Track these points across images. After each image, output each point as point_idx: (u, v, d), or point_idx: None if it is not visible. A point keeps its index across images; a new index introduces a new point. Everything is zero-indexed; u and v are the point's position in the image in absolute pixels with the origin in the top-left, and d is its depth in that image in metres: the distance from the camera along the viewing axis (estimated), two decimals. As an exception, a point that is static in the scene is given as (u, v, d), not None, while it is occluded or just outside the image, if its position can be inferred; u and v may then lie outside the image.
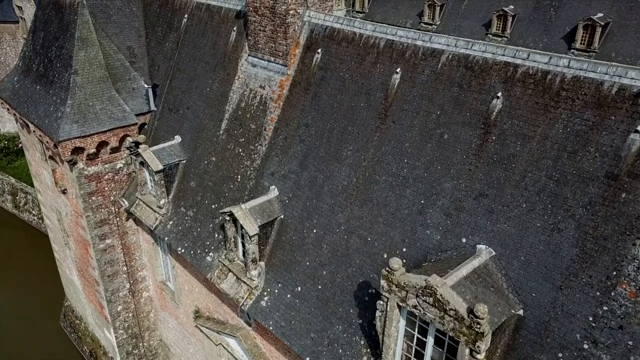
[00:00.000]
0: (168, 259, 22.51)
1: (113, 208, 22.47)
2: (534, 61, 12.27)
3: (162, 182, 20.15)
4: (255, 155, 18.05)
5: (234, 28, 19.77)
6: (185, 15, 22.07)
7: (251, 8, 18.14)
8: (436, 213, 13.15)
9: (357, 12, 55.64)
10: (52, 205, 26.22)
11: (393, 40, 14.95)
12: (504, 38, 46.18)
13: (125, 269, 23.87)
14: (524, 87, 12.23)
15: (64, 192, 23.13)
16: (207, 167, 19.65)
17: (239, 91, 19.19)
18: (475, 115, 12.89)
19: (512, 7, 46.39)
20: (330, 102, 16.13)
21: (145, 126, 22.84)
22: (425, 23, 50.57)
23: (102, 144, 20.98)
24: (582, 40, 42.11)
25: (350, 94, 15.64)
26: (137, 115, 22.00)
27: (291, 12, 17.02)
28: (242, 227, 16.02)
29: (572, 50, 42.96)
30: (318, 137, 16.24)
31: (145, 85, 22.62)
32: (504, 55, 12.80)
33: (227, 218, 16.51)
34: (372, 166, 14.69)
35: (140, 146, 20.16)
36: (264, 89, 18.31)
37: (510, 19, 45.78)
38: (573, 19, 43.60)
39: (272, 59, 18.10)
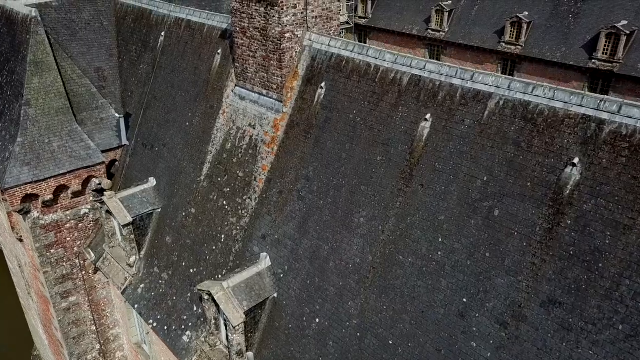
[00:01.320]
0: (143, 321, 18.87)
1: (77, 261, 18.82)
2: (629, 117, 8.62)
3: (132, 236, 16.50)
4: (243, 211, 14.39)
5: (219, 51, 16.10)
6: (163, 33, 18.39)
7: (238, 28, 14.49)
8: (485, 319, 9.52)
9: (360, 17, 52.04)
10: (11, 250, 22.61)
11: (420, 76, 11.30)
12: (518, 47, 42.59)
13: (95, 328, 20.24)
14: (615, 153, 8.59)
15: (20, 240, 19.50)
16: (185, 221, 15.99)
17: (224, 129, 15.53)
18: (540, 187, 9.25)
19: (526, 13, 42.75)
20: (337, 152, 12.50)
21: (116, 163, 19.18)
22: (433, 30, 46.95)
23: (61, 189, 17.31)
24: (604, 49, 38.43)
25: (363, 143, 12.01)
26: (105, 151, 18.33)
27: (287, 34, 13.38)
28: (224, 312, 12.40)
29: (593, 61, 39.37)
30: (322, 194, 12.61)
31: (117, 115, 18.95)
32: (581, 105, 9.17)
33: (206, 297, 12.89)
34: (394, 242, 11.05)
35: (105, 193, 16.51)
36: (254, 129, 14.66)
37: (525, 26, 42.16)
38: (594, 27, 39.90)
39: (265, 92, 14.46)
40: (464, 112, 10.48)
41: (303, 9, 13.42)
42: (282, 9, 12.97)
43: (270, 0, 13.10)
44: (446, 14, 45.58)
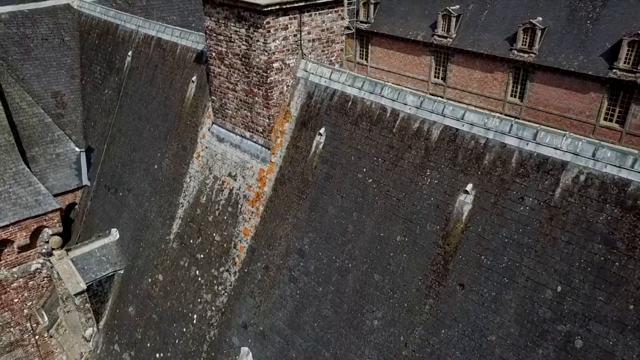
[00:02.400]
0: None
1: (29, 324, 15.59)
2: None
3: (88, 305, 13.28)
4: (220, 287, 11.15)
5: (193, 78, 12.86)
6: (130, 52, 15.13)
7: (214, 53, 11.24)
8: None
9: (362, 22, 48.77)
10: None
11: (457, 129, 8.06)
12: (531, 54, 39.34)
13: (54, 398, 17.03)
14: None
15: (-37, 297, 16.25)
16: (151, 289, 12.76)
17: (198, 177, 12.28)
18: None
19: (540, 19, 39.47)
20: (341, 223, 9.26)
21: (76, 206, 15.94)
22: (439, 36, 43.67)
23: (4, 243, 14.08)
24: (626, 58, 35.17)
25: (377, 214, 8.78)
26: (61, 194, 15.11)
27: (275, 64, 10.13)
28: None
29: (613, 70, 36.13)
30: (321, 278, 9.38)
31: (77, 149, 15.71)
32: None
33: (170, 412, 9.68)
34: (421, 361, 7.84)
35: (54, 252, 13.27)
36: (234, 180, 11.41)
37: (539, 32, 38.90)
38: (615, 34, 36.60)
39: (248, 134, 11.22)
40: (523, 186, 7.25)
41: (296, 30, 10.18)
42: (269, 31, 9.74)
43: (252, 20, 9.86)
44: (453, 19, 42.32)
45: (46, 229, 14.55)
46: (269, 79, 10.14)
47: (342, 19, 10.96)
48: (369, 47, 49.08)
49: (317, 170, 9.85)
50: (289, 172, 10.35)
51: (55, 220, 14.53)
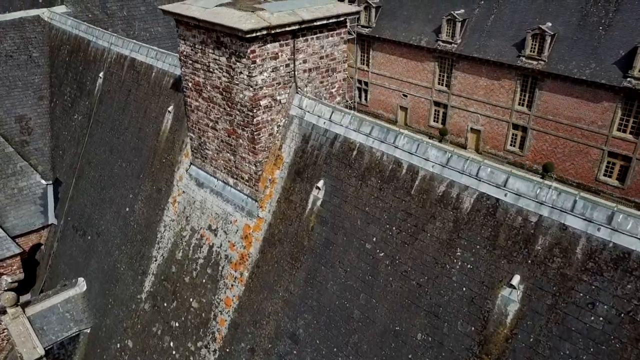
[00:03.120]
0: None
1: (-12, 382, 13.63)
2: None
3: (48, 371, 11.31)
4: (199, 366, 9.18)
5: (170, 108, 10.86)
6: (101, 74, 13.12)
7: (190, 84, 9.24)
8: None
9: (363, 26, 46.68)
10: None
11: (498, 199, 6.06)
12: (540, 62, 37.33)
13: None
14: None
15: None
16: (119, 356, 10.77)
17: (173, 227, 10.29)
18: None
19: (550, 24, 37.41)
20: (345, 305, 7.27)
21: (42, 247, 13.95)
22: (444, 41, 41.62)
23: (-46, 295, 12.09)
24: (645, 69, 33.28)
25: (390, 300, 6.78)
26: (23, 235, 13.12)
27: (264, 101, 8.13)
28: None
29: (628, 79, 34.13)
30: (319, 371, 7.41)
31: (43, 182, 13.73)
32: None
33: None
34: None
35: (7, 311, 11.28)
36: (215, 235, 9.41)
37: (548, 38, 36.85)
38: (629, 41, 34.53)
39: (231, 180, 9.23)
40: (594, 287, 5.26)
41: (289, 59, 8.17)
42: (254, 62, 7.73)
43: (234, 48, 7.85)
44: (458, 24, 40.30)
45: (4, 277, 12.56)
46: (255, 120, 8.14)
47: (345, 42, 8.95)
48: (370, 53, 47.06)
49: (315, 233, 7.85)
50: (280, 231, 8.35)
51: (15, 267, 12.56)
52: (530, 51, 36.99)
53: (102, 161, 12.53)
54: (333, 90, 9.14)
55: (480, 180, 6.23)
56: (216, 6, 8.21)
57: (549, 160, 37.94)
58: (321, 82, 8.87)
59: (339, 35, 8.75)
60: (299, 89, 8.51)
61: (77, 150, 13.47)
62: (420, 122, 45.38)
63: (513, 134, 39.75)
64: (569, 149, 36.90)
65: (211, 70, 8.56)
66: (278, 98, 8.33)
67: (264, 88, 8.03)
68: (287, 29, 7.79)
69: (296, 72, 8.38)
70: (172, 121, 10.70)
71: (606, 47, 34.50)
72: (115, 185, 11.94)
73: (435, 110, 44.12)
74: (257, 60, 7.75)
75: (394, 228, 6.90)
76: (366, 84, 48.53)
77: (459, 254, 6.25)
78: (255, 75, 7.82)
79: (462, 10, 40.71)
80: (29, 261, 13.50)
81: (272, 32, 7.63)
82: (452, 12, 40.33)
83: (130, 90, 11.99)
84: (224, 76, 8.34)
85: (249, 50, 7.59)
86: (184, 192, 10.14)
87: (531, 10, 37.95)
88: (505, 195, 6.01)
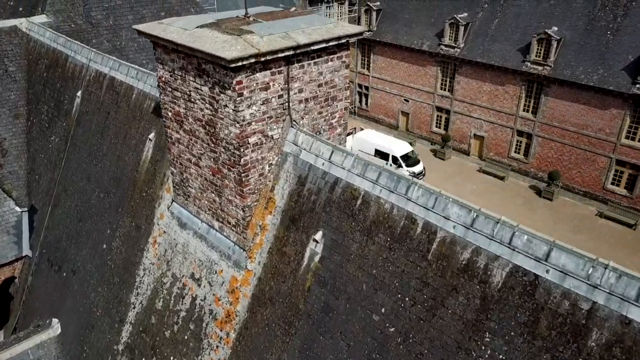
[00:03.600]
0: None
1: None
2: None
3: None
4: None
5: (151, 135, 9.65)
6: (79, 93, 11.91)
7: (170, 113, 8.04)
8: None
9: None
10: None
11: (537, 277, 4.85)
12: (546, 67, 36.10)
13: None
14: None
15: None
16: (95, 414, 9.59)
17: (154, 272, 9.08)
18: None
19: (556, 28, 36.17)
20: (346, 387, 6.08)
21: (16, 281, 12.74)
22: (446, 45, 40.35)
23: None
24: (657, 76, 32.07)
25: (402, 390, 5.59)
26: (-7, 269, 11.92)
27: (253, 138, 6.93)
28: None
29: (637, 86, 32.93)
30: None
31: (17, 209, 12.54)
32: None
33: None
34: None
35: (-29, 360, 10.08)
36: (199, 285, 8.21)
37: (554, 43, 35.60)
38: (638, 45, 33.16)
39: (217, 224, 8.03)
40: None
41: (282, 88, 6.96)
42: (241, 94, 6.52)
43: (217, 77, 6.64)
44: (461, 28, 39.08)
45: (-27, 316, 11.37)
46: (242, 159, 6.93)
47: (347, 66, 7.74)
48: (371, 56, 45.83)
49: (312, 295, 6.65)
50: (272, 289, 7.15)
51: (-16, 305, 11.35)
52: (536, 56, 35.78)
53: (79, 189, 11.32)
54: (333, 120, 7.93)
55: (514, 250, 5.03)
56: (197, 27, 6.99)
57: (555, 167, 36.74)
58: (320, 113, 7.66)
59: (340, 59, 7.54)
60: (294, 122, 7.31)
61: (53, 175, 12.26)
62: (422, 127, 44.18)
63: (517, 141, 38.55)
64: (576, 157, 35.69)
65: (192, 100, 7.35)
66: (269, 134, 7.12)
67: (253, 123, 6.83)
68: (280, 55, 6.58)
69: (291, 103, 7.17)
70: (152, 150, 9.49)
71: (614, 53, 33.27)
72: (93, 217, 10.72)
73: (437, 116, 42.91)
74: (245, 92, 6.54)
75: (407, 299, 5.70)
76: (367, 88, 47.32)
77: (487, 339, 5.05)
78: (243, 110, 6.61)
79: (465, 14, 39.49)
80: (2, 295, 12.33)
81: (262, 59, 6.41)
82: (455, 15, 39.10)
83: (109, 113, 10.78)
84: (206, 108, 7.13)
85: (234, 81, 6.38)
86: (165, 232, 8.92)
87: (536, 14, 36.73)
88: (547, 271, 4.80)
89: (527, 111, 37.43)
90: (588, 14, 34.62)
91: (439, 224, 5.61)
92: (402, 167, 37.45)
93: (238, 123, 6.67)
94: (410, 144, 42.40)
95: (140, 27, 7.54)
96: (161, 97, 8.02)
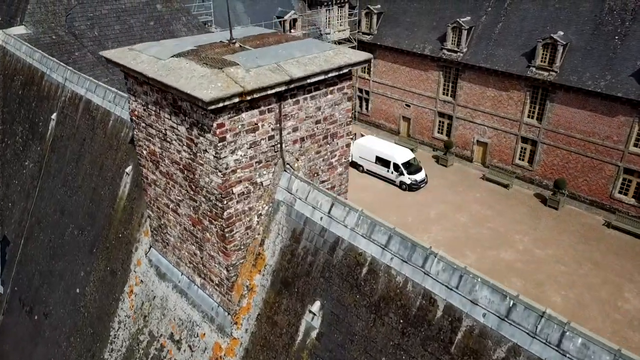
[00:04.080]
0: None
1: None
2: None
3: None
4: None
5: (128, 169, 8.51)
6: (54, 115, 10.77)
7: (145, 152, 6.91)
8: None
9: (364, 33, 44.12)
10: None
11: (601, 400, 3.76)
12: (551, 72, 34.94)
13: None
14: None
15: None
16: None
17: (129, 326, 7.96)
18: None
19: (562, 33, 35.00)
20: None
21: (-13, 318, 11.62)
22: (449, 50, 39.15)
23: None
24: (669, 85, 30.89)
25: None
26: (-40, 309, 10.78)
27: (238, 187, 5.80)
28: None
29: (646, 94, 31.81)
30: None
31: (-12, 240, 11.39)
32: None
33: None
34: None
35: None
36: (179, 349, 7.08)
37: (560, 48, 34.44)
38: (650, 53, 32.26)
39: (198, 280, 6.90)
40: None
41: (273, 128, 5.83)
42: (224, 139, 5.40)
43: (196, 117, 5.51)
44: (464, 32, 37.93)
45: (-64, 362, 10.24)
46: (226, 212, 5.80)
47: (350, 99, 6.62)
48: (372, 60, 44.56)
49: (308, 376, 5.52)
50: (262, 363, 6.03)
51: (-51, 350, 10.22)
52: (541, 61, 34.65)
53: (52, 223, 10.19)
54: (333, 160, 6.81)
55: (565, 355, 3.90)
56: (173, 57, 5.87)
57: (561, 175, 35.63)
58: (317, 153, 6.53)
59: (341, 91, 6.41)
60: (287, 166, 6.18)
61: (26, 204, 11.13)
62: (424, 133, 43.06)
63: (522, 148, 37.43)
64: (582, 165, 34.57)
65: (168, 140, 6.23)
66: (258, 180, 5.99)
67: (239, 170, 5.70)
68: (270, 92, 5.46)
69: (284, 145, 6.04)
70: (130, 186, 8.36)
71: (622, 58, 32.13)
72: (66, 256, 9.60)
73: (439, 122, 41.79)
74: (228, 136, 5.42)
75: (423, 398, 4.57)
76: (367, 92, 46.18)
77: None
78: (226, 156, 5.49)
79: (469, 18, 38.35)
80: (-27, 334, 11.22)
81: (249, 98, 5.29)
82: (458, 19, 37.96)
83: (85, 140, 9.64)
84: (184, 151, 6.01)
85: (214, 124, 5.26)
86: (142, 281, 7.79)
87: (541, 18, 35.58)
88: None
89: (532, 117, 36.32)
90: (595, 18, 33.48)
91: (464, 309, 4.48)
92: (403, 174, 36.33)
93: (220, 172, 5.55)
94: (412, 150, 41.27)
95: (109, 54, 6.39)
96: (135, 132, 6.89)
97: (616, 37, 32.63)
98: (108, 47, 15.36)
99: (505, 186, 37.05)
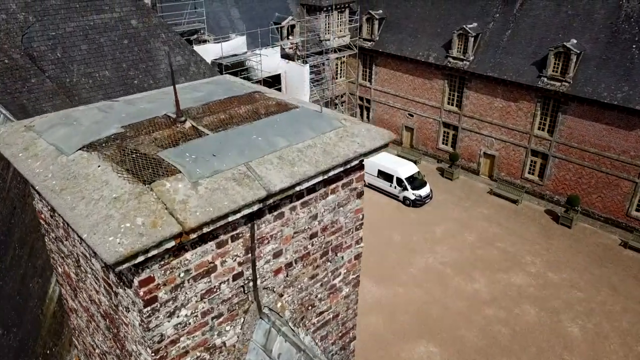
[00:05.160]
0: None
1: None
2: None
3: None
4: None
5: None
6: (-15, 168, 8.49)
7: (59, 270, 4.69)
8: None
9: (365, 39, 41.49)
10: None
11: None
12: (564, 83, 32.67)
13: None
14: None
15: None
16: None
17: None
18: None
19: (575, 41, 32.67)
20: None
21: None
22: (454, 58, 36.67)
23: None
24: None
25: None
26: None
27: (184, 361, 3.59)
28: None
29: (665, 107, 29.53)
30: None
31: None
32: None
33: None
34: None
35: None
36: None
37: (573, 57, 32.11)
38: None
39: None
40: None
41: (241, 262, 3.59)
42: (153, 299, 3.15)
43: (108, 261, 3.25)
44: (471, 39, 35.70)
45: None
46: (165, 399, 3.55)
47: (360, 195, 4.38)
48: (373, 68, 42.44)
49: None
50: None
51: None
52: (553, 71, 32.44)
53: (-21, 311, 7.93)
54: (337, 280, 4.57)
55: None
56: (83, 148, 3.63)
57: (573, 191, 33.42)
58: (313, 278, 4.30)
59: (348, 187, 4.17)
60: (263, 311, 3.94)
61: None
62: (428, 144, 40.83)
63: (532, 161, 35.24)
64: (596, 180, 32.37)
65: (83, 270, 3.99)
66: (218, 342, 3.75)
67: (183, 339, 3.46)
68: (233, 218, 3.22)
69: (258, 281, 3.80)
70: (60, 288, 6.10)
71: (641, 68, 29.92)
72: (-8, 360, 7.34)
73: (444, 132, 39.57)
74: (161, 295, 3.18)
75: None
76: (368, 101, 43.95)
77: None
78: (158, 325, 3.25)
79: (475, 24, 36.11)
80: None
81: (193, 235, 3.05)
82: (464, 25, 35.73)
83: (15, 208, 7.38)
84: (103, 295, 3.77)
85: (136, 282, 3.03)
86: None
87: (553, 25, 33.33)
88: None
89: (543, 130, 34.12)
90: (610, 25, 31.24)
91: None
92: (407, 189, 34.12)
93: (150, 347, 3.30)
94: (415, 162, 39.06)
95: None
96: (45, 239, 4.65)
97: (634, 46, 30.44)
98: (73, 71, 13.11)
99: (514, 202, 34.86)
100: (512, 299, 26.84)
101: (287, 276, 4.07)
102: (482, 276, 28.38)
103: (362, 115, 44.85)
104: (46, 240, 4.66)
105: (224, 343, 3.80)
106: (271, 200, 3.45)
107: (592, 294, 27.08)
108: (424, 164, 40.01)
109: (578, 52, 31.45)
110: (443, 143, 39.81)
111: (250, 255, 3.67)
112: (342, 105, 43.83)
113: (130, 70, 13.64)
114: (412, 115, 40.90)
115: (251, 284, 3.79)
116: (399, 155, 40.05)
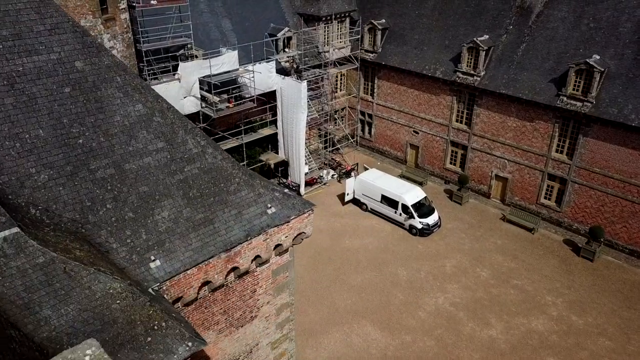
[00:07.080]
0: None
1: None
2: None
3: None
4: None
5: None
6: None
7: None
8: None
9: (367, 51, 37.78)
10: None
11: None
12: (586, 103, 29.31)
13: None
14: None
15: None
16: None
17: None
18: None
19: (597, 57, 29.25)
20: None
21: None
22: (464, 73, 33.10)
23: None
24: None
25: None
26: None
27: None
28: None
29: (701, 130, 26.18)
30: None
31: None
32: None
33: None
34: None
35: None
36: None
37: (596, 75, 28.77)
38: None
39: None
40: None
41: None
42: None
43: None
44: (482, 53, 32.23)
45: None
46: None
47: None
48: (375, 81, 38.98)
49: None
50: None
51: None
52: (574, 89, 28.98)
53: None
54: None
55: None
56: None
57: (594, 219, 30.08)
58: None
59: None
60: None
61: None
62: (435, 163, 37.42)
63: (548, 186, 31.86)
64: (621, 209, 29.00)
65: None
66: None
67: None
68: None
69: None
70: None
71: (672, 88, 26.55)
72: None
73: (452, 151, 36.17)
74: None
75: None
76: (370, 116, 40.54)
77: None
78: None
79: (487, 37, 32.64)
80: None
81: None
82: (475, 38, 32.22)
83: None
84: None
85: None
86: None
87: (572, 39, 29.85)
88: None
89: (561, 153, 30.73)
90: (637, 40, 27.79)
91: None
92: (414, 217, 30.75)
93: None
94: (421, 183, 35.73)
95: None
96: None
97: (664, 63, 26.90)
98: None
99: (530, 230, 31.51)
100: (533, 349, 23.54)
101: None
102: (499, 321, 25.07)
103: (363, 130, 41.47)
104: None
105: None
106: None
107: (622, 342, 23.79)
108: (431, 184, 36.65)
109: (602, 69, 27.98)
110: (451, 163, 36.44)
111: None
112: (342, 120, 40.41)
113: (74, 126, 10.31)
114: (417, 133, 37.50)
115: None
116: (403, 175, 36.66)
